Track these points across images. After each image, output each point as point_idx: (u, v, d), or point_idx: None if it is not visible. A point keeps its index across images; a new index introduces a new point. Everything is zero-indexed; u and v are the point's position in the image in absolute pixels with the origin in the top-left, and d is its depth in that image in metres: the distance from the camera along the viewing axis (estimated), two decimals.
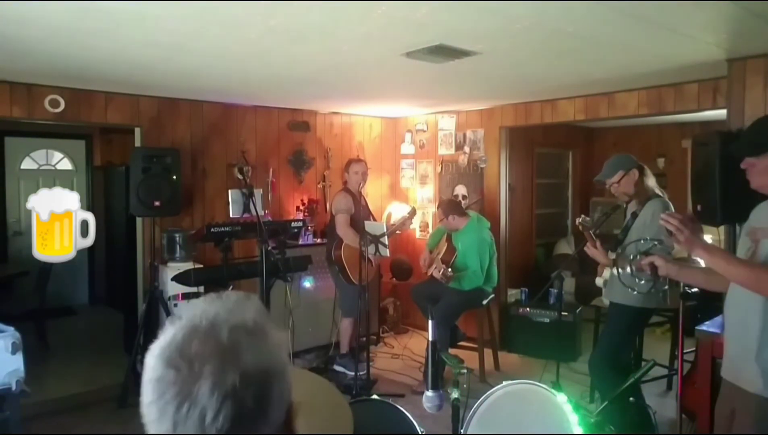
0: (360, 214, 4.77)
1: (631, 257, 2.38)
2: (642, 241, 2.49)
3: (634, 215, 3.38)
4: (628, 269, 2.36)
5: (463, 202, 5.73)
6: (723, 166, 3.04)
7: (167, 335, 0.78)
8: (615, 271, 3.09)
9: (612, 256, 3.27)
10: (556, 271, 4.02)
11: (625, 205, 3.57)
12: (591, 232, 3.31)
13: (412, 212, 5.03)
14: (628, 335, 3.69)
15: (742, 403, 2.01)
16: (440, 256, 4.94)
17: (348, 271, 4.83)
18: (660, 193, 3.40)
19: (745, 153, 2.01)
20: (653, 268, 2.20)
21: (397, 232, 5.28)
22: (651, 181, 3.43)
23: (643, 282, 2.33)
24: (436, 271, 4.75)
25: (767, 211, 2.02)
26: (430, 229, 6.18)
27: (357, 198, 4.87)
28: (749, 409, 1.97)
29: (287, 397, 0.80)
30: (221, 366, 0.73)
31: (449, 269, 4.71)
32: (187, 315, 0.80)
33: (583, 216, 3.43)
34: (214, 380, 0.72)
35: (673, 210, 3.31)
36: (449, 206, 4.95)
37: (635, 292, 2.43)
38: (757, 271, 1.93)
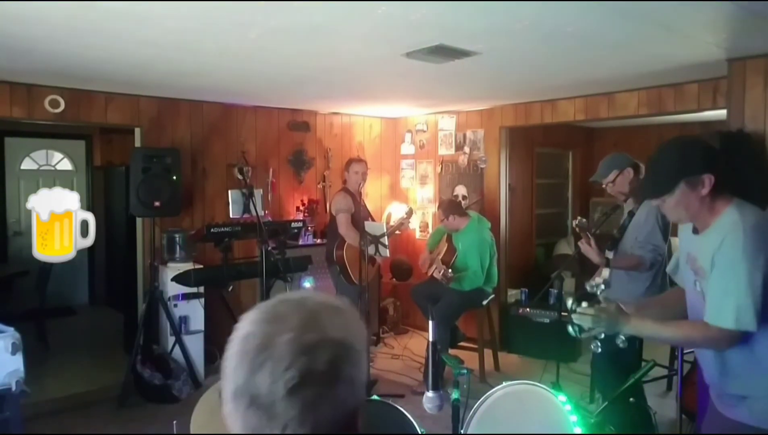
0: (360, 214, 4.77)
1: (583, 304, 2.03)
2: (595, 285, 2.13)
3: (631, 214, 3.37)
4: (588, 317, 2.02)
5: (463, 202, 5.73)
6: None
7: (260, 305, 0.86)
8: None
9: (609, 255, 3.27)
10: (556, 272, 4.02)
11: (624, 204, 3.56)
12: (588, 233, 3.31)
13: (410, 213, 5.02)
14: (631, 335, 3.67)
15: (732, 432, 1.90)
16: (440, 257, 4.94)
17: (349, 271, 4.82)
18: None
19: (650, 197, 1.98)
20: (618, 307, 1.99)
21: (397, 232, 5.28)
22: None
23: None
24: (437, 272, 4.75)
25: (703, 242, 1.87)
26: (430, 230, 6.18)
27: (356, 198, 4.87)
28: None
29: (358, 392, 0.84)
30: (303, 324, 0.80)
31: (449, 270, 4.70)
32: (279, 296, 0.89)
33: (579, 218, 3.43)
34: (294, 335, 0.78)
35: None
36: (449, 206, 4.95)
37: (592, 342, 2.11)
38: (686, 331, 1.90)
